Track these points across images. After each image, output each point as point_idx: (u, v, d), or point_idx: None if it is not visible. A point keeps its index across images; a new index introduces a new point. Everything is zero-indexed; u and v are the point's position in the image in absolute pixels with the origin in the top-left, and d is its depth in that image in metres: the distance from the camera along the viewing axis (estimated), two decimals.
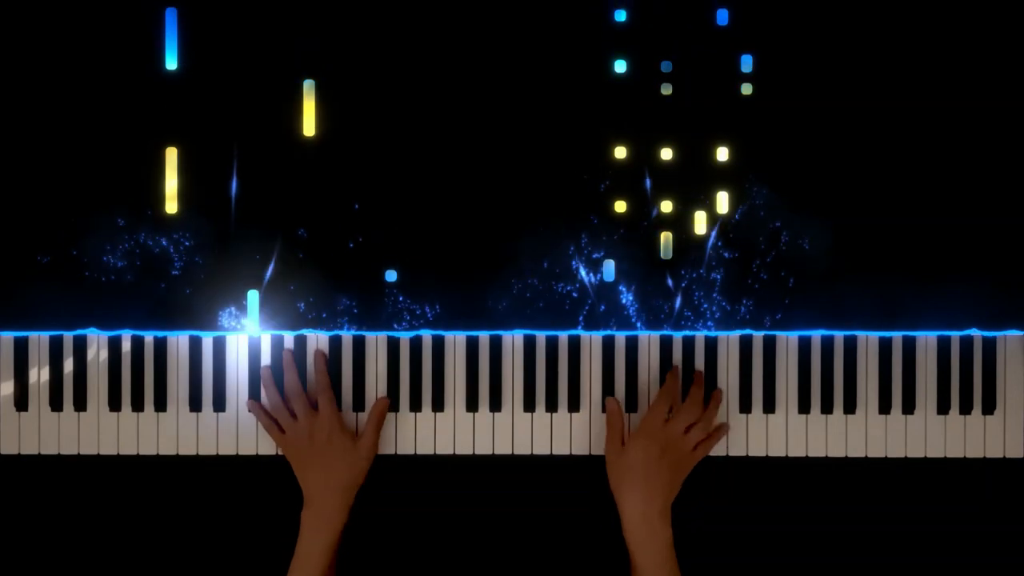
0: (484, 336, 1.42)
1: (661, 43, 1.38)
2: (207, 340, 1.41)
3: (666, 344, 1.42)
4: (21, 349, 1.41)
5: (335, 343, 1.41)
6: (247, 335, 1.41)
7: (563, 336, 1.42)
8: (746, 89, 1.38)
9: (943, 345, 1.42)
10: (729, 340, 1.42)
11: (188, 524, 1.45)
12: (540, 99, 1.39)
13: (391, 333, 1.41)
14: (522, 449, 1.42)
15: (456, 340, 1.42)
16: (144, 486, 1.44)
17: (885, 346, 1.41)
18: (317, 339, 1.42)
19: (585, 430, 1.42)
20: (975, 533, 1.46)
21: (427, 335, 1.41)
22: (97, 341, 1.41)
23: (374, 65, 1.39)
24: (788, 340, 1.42)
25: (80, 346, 1.41)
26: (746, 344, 1.42)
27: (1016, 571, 1.46)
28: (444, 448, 1.42)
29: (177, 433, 1.41)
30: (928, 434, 1.42)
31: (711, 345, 1.42)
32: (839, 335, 1.42)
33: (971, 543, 1.46)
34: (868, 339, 1.42)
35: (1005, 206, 1.39)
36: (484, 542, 1.47)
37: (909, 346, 1.41)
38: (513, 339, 1.42)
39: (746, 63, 1.38)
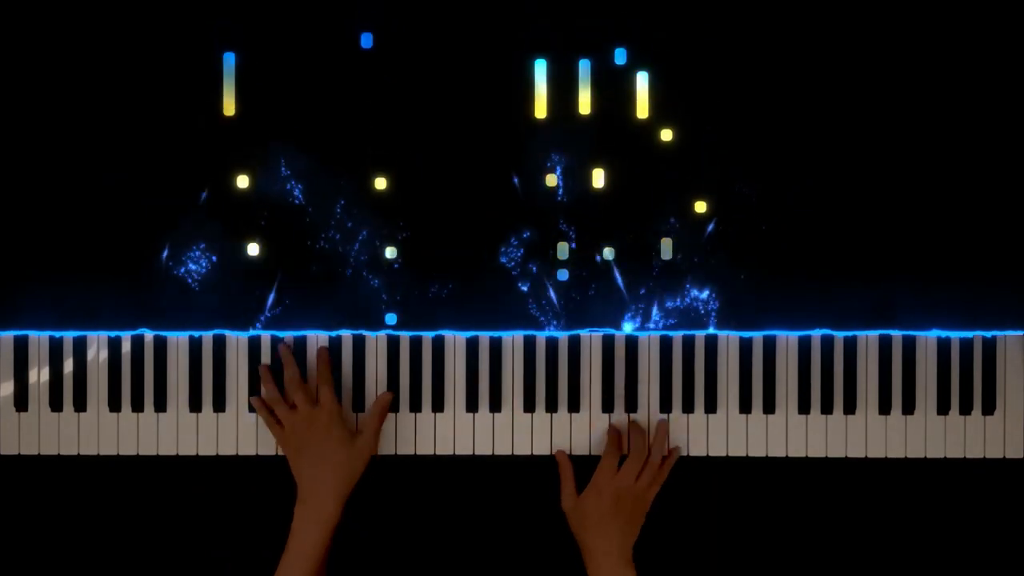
0: (484, 336, 1.42)
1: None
2: (207, 340, 1.41)
3: (666, 344, 1.42)
4: (21, 349, 1.41)
5: (335, 343, 1.41)
6: (247, 335, 1.41)
7: (563, 336, 1.42)
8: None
9: (943, 345, 1.42)
10: (729, 340, 1.42)
11: (188, 524, 1.45)
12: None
13: (391, 332, 1.41)
14: (522, 450, 1.42)
15: (456, 340, 1.42)
16: (144, 486, 1.44)
17: (885, 346, 1.41)
18: (317, 339, 1.42)
19: (585, 431, 1.42)
20: (975, 533, 1.46)
21: (427, 335, 1.41)
22: (97, 341, 1.41)
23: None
24: (788, 340, 1.42)
25: (80, 346, 1.41)
26: (746, 344, 1.42)
27: (1016, 571, 1.46)
28: (444, 448, 1.42)
29: (177, 433, 1.41)
30: (928, 434, 1.42)
31: (711, 345, 1.42)
32: (839, 335, 1.41)
33: (971, 543, 1.46)
34: (868, 339, 1.42)
35: (1005, 206, 1.39)
36: (484, 542, 1.46)
37: (909, 346, 1.41)
38: (513, 339, 1.42)
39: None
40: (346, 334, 1.41)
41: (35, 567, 1.45)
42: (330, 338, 1.41)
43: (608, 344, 1.42)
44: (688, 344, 1.42)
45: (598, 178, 1.38)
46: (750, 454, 1.42)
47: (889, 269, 1.39)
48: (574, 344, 1.42)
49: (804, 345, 1.42)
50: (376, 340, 1.42)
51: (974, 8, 1.38)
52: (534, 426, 1.42)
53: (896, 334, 1.41)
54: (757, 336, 1.42)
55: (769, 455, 1.42)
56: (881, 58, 1.39)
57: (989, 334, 1.41)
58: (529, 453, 1.42)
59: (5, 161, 1.38)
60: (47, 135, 1.38)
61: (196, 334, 1.41)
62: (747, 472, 1.45)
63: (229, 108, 1.39)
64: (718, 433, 1.42)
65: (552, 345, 1.42)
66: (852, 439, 1.42)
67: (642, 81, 1.38)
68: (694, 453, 1.42)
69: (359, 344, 1.42)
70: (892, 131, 1.39)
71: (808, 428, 1.42)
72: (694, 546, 1.45)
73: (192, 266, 1.39)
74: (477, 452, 1.42)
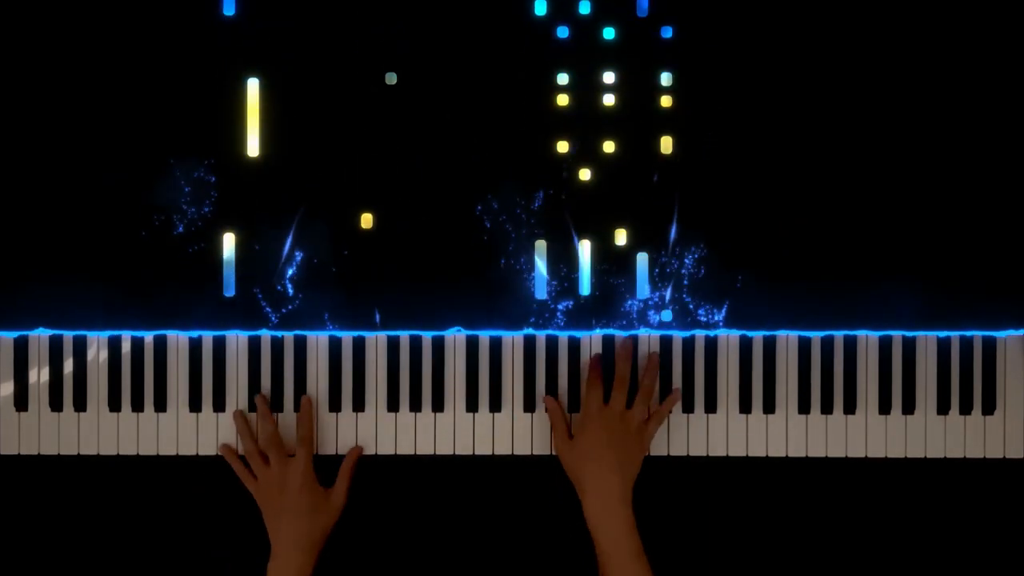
0: (484, 336, 1.42)
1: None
2: (207, 340, 1.41)
3: (666, 344, 1.42)
4: (21, 349, 1.41)
5: (335, 343, 1.41)
6: (247, 335, 1.41)
7: (563, 336, 1.42)
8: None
9: (943, 345, 1.42)
10: (729, 340, 1.42)
11: (188, 524, 1.45)
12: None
13: (391, 333, 1.41)
14: (522, 450, 1.42)
15: (456, 340, 1.42)
16: (144, 486, 1.44)
17: (885, 346, 1.41)
18: (317, 340, 1.42)
19: None
20: (975, 533, 1.46)
21: (427, 335, 1.41)
22: (97, 341, 1.41)
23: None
24: (788, 340, 1.42)
25: (80, 346, 1.41)
26: (746, 344, 1.42)
27: (1016, 571, 1.46)
28: (444, 448, 1.42)
29: (177, 433, 1.41)
30: (928, 434, 1.42)
31: (711, 345, 1.42)
32: (839, 335, 1.41)
33: (971, 543, 1.46)
34: (868, 339, 1.42)
35: (1005, 206, 1.39)
36: (484, 542, 1.46)
37: (909, 346, 1.41)
38: (513, 339, 1.42)
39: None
40: (346, 335, 1.41)
41: (35, 567, 1.45)
42: (330, 339, 1.41)
43: (608, 344, 1.42)
44: (688, 344, 1.42)
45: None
46: (750, 454, 1.42)
47: (889, 269, 1.39)
48: (574, 344, 1.42)
49: (804, 345, 1.42)
50: (376, 340, 1.42)
51: (970, 9, 1.38)
52: (534, 426, 1.42)
53: (896, 334, 1.41)
54: (757, 336, 1.42)
55: (769, 455, 1.42)
56: (879, 59, 1.39)
57: (989, 334, 1.41)
58: (529, 453, 1.42)
59: (5, 161, 1.38)
60: (47, 136, 1.38)
61: (196, 334, 1.41)
62: (747, 472, 1.45)
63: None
64: (718, 433, 1.42)
65: (552, 345, 1.42)
66: (852, 439, 1.42)
67: (642, 261, 1.39)
68: (694, 453, 1.42)
69: (359, 344, 1.42)
70: (893, 133, 1.39)
71: (808, 428, 1.42)
72: (693, 546, 1.45)
73: (192, 266, 1.38)
74: (477, 452, 1.42)
